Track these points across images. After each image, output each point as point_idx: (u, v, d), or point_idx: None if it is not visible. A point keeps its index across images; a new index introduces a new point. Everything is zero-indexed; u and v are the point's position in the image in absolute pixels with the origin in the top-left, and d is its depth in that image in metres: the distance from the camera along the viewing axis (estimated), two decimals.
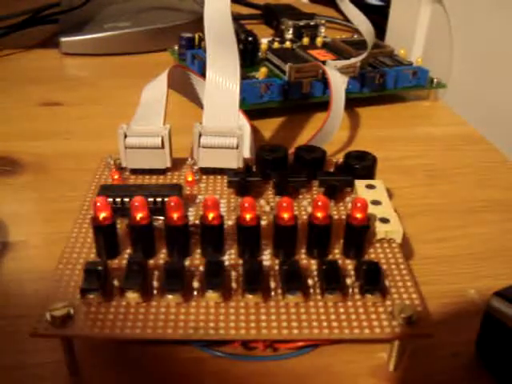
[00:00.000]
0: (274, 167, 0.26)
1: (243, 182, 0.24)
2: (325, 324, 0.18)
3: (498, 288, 0.18)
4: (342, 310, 0.19)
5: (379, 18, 0.49)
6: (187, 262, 0.21)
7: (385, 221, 0.22)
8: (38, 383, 0.18)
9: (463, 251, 0.25)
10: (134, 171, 0.26)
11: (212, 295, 0.19)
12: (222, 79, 0.27)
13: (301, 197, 0.25)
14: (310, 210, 0.23)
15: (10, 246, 0.24)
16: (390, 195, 0.26)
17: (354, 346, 0.19)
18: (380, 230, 0.22)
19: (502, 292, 0.18)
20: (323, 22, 0.47)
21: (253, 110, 0.35)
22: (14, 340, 0.20)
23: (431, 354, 0.20)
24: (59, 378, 0.18)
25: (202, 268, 0.20)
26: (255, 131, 0.34)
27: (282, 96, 0.36)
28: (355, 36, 0.46)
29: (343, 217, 0.23)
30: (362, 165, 0.26)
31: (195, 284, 0.19)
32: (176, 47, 0.44)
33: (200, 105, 0.34)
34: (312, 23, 0.47)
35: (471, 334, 0.20)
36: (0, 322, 0.21)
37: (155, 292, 0.19)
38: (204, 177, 0.26)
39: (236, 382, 0.18)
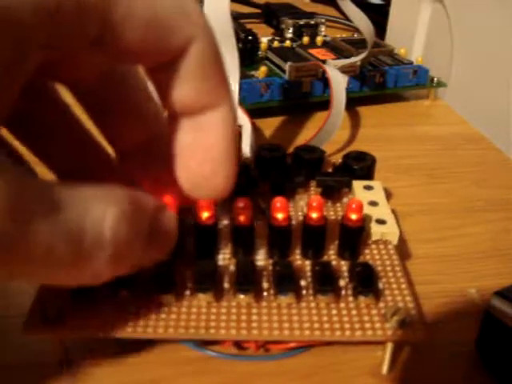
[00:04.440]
0: (272, 167, 0.26)
1: (240, 181, 0.24)
2: (316, 325, 0.18)
3: (499, 287, 0.18)
4: (334, 311, 0.19)
5: (379, 16, 0.49)
6: (180, 263, 0.20)
7: (381, 222, 0.22)
8: (37, 383, 0.18)
9: (463, 251, 0.25)
10: None
11: (204, 296, 0.19)
12: None
13: (298, 197, 0.25)
14: (306, 210, 0.23)
15: None
16: (389, 195, 0.26)
17: (353, 345, 0.19)
18: (376, 231, 0.22)
19: (503, 292, 0.18)
20: (323, 20, 0.47)
21: (252, 109, 0.35)
22: (13, 340, 0.20)
23: (431, 353, 0.19)
24: (59, 378, 0.18)
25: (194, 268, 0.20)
26: (255, 130, 0.34)
27: (281, 95, 0.36)
28: (355, 35, 0.46)
29: (339, 218, 0.23)
30: (360, 165, 0.25)
31: (188, 284, 0.19)
32: None
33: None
34: (312, 22, 0.47)
35: (471, 333, 0.19)
36: (1, 321, 0.21)
37: (147, 292, 0.19)
38: None
39: (229, 381, 0.18)
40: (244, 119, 0.30)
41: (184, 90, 0.16)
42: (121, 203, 0.14)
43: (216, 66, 0.16)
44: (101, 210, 0.13)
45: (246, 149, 0.28)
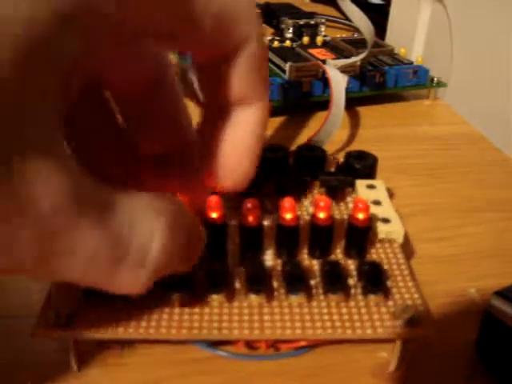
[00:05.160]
0: (274, 167, 0.26)
1: None
2: (328, 324, 0.18)
3: (499, 287, 0.18)
4: (344, 310, 0.19)
5: (379, 16, 0.49)
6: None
7: (386, 221, 0.22)
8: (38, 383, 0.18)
9: (464, 250, 0.25)
10: None
11: (216, 297, 0.19)
12: None
13: (302, 197, 0.25)
14: (311, 210, 0.23)
15: None
16: (391, 194, 0.26)
17: (355, 345, 0.19)
18: (381, 230, 0.22)
19: (503, 291, 0.18)
20: (323, 20, 0.47)
21: None
22: (15, 340, 0.20)
23: (431, 353, 0.20)
24: (61, 379, 0.18)
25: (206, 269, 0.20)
26: None
27: (281, 95, 0.36)
28: (355, 35, 0.46)
29: (344, 217, 0.23)
30: (362, 165, 0.26)
31: (200, 285, 0.19)
32: None
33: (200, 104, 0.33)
34: (312, 22, 0.47)
35: (471, 333, 0.20)
36: (1, 321, 0.21)
37: (159, 292, 0.19)
38: None
39: (237, 381, 0.19)
40: None
41: (232, 87, 0.16)
42: (168, 218, 0.14)
43: (264, 65, 0.16)
44: (149, 227, 0.13)
45: None
